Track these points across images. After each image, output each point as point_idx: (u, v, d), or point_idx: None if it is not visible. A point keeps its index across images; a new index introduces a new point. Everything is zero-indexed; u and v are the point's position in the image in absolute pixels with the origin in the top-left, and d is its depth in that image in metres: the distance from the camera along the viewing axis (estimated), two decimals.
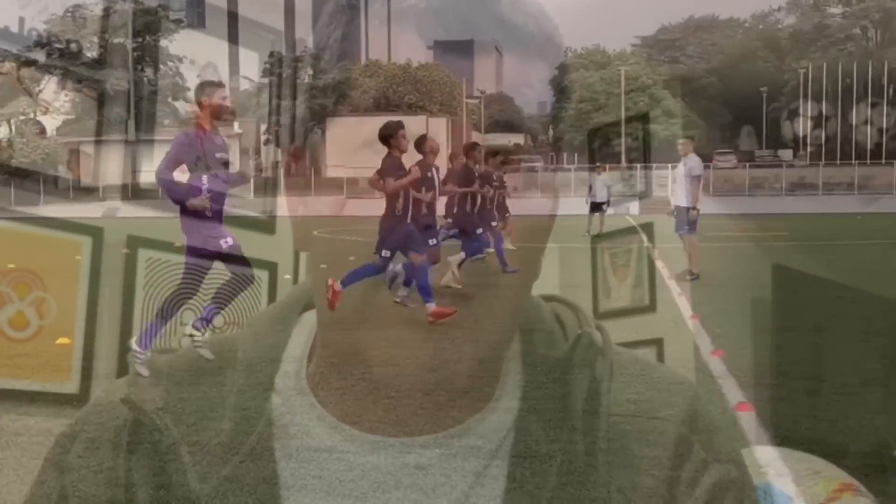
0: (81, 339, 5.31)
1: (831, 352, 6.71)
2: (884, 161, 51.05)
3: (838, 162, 52.29)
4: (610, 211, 25.31)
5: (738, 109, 61.99)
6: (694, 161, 13.07)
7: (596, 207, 24.71)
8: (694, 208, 12.78)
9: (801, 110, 58.66)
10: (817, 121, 57.56)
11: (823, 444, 4.33)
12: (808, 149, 56.46)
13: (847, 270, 12.63)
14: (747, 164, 51.92)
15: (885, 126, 56.22)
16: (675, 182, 14.33)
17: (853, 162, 51.21)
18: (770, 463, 1.15)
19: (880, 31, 59.88)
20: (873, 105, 56.29)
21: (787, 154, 56.10)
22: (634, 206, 44.19)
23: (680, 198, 13.00)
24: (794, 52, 60.61)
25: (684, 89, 60.85)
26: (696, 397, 0.97)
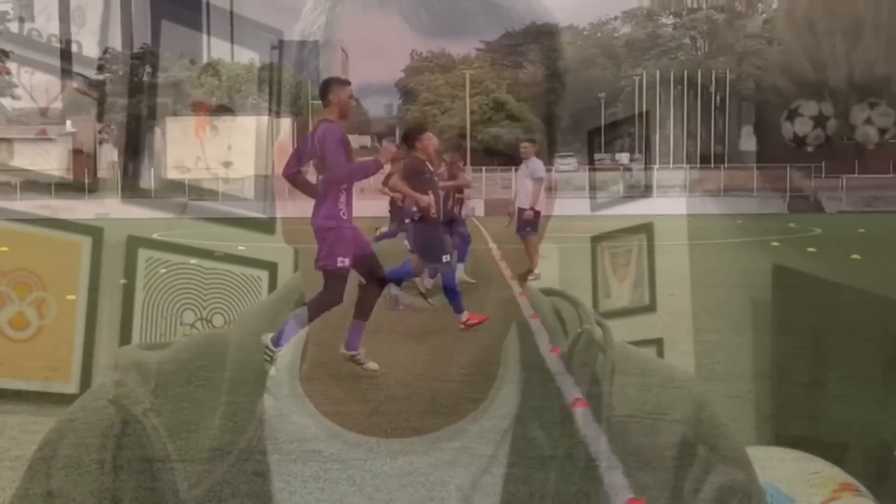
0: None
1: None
2: (713, 165, 53.98)
3: (671, 165, 54.93)
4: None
5: (578, 114, 64.02)
6: (536, 164, 13.40)
7: None
8: (533, 210, 13.09)
9: (636, 116, 61.20)
10: (652, 126, 60.18)
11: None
12: (644, 153, 58.94)
13: (675, 270, 13.25)
14: (587, 168, 53.71)
15: (713, 131, 59.41)
16: (518, 184, 14.71)
17: (685, 165, 53.92)
18: (770, 463, 1.15)
19: (708, 42, 63.16)
20: (703, 111, 59.39)
21: (623, 157, 58.37)
22: (479, 208, 44.95)
23: (522, 200, 13.32)
24: (630, 59, 63.17)
25: (527, 94, 61.87)
26: (700, 396, 0.95)
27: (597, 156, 60.74)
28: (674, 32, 62.96)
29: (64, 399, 5.24)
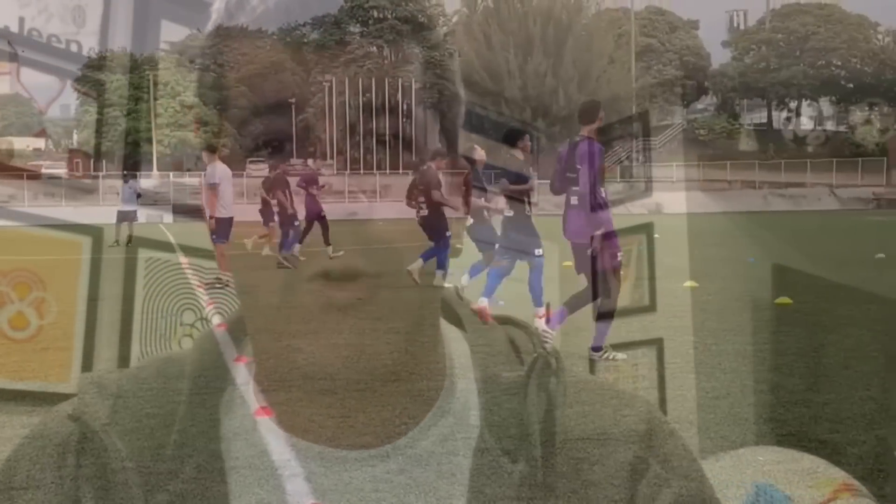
0: None
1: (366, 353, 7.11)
2: (401, 171, 55.73)
3: (362, 171, 55.97)
4: (142, 219, 24.45)
5: (269, 119, 63.52)
6: (212, 169, 13.11)
7: (125, 216, 23.55)
8: (212, 217, 12.85)
9: (327, 121, 61.76)
10: (343, 133, 60.96)
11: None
12: (336, 158, 59.39)
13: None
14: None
15: (401, 138, 61.24)
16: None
17: (374, 172, 55.26)
18: (770, 463, 1.11)
19: (394, 51, 65.18)
20: (390, 118, 61.02)
21: (315, 163, 58.49)
22: (168, 215, 43.41)
23: (215, 208, 13.01)
24: (319, 66, 63.54)
25: (216, 97, 60.62)
26: (653, 417, 0.94)
27: (291, 161, 60.64)
28: (361, 40, 64.35)
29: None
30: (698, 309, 9.44)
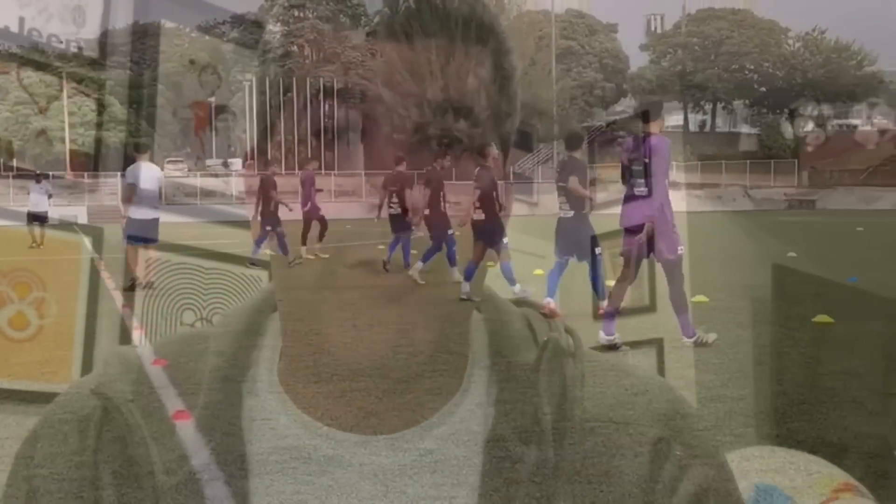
0: None
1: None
2: (324, 171, 55.27)
3: (283, 172, 55.35)
4: (55, 219, 23.80)
5: (187, 118, 62.54)
6: (136, 169, 12.90)
7: (35, 218, 22.95)
8: (127, 217, 12.67)
9: (247, 121, 60.91)
10: (263, 132, 60.13)
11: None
12: (254, 159, 58.61)
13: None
14: (199, 173, 52.71)
15: (322, 138, 60.84)
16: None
17: (296, 172, 54.70)
18: (770, 463, 1.09)
19: (315, 51, 64.65)
20: (312, 118, 60.54)
21: (236, 164, 58.08)
22: (82, 215, 42.38)
23: (129, 208, 12.79)
24: (239, 64, 62.97)
25: (132, 96, 59.66)
26: (675, 400, 0.93)
27: (207, 161, 59.85)
28: (282, 39, 63.69)
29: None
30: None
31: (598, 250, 9.39)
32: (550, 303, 9.03)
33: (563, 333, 0.96)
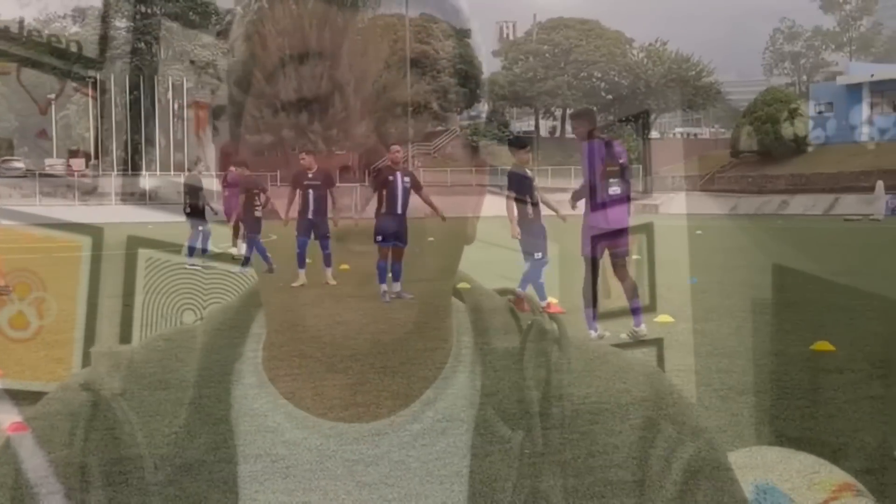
0: None
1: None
2: (172, 172, 54.09)
3: (130, 172, 53.81)
4: None
5: (25, 115, 59.53)
6: None
7: None
8: None
9: (90, 119, 58.79)
10: (107, 133, 58.26)
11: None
12: (99, 159, 56.90)
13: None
14: (38, 173, 50.33)
15: (171, 138, 59.48)
16: None
17: (143, 173, 53.31)
18: (770, 463, 1.03)
19: (163, 48, 63.05)
20: (161, 118, 59.18)
21: (78, 163, 55.76)
22: None
23: None
24: (84, 61, 60.46)
25: None
26: (661, 381, 0.94)
27: (47, 161, 57.17)
28: (128, 36, 61.70)
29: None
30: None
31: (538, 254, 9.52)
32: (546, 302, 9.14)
33: (547, 319, 0.97)
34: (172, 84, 58.76)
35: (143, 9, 62.73)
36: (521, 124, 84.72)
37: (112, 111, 56.19)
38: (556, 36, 79.12)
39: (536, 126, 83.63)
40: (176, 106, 60.01)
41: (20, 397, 5.87)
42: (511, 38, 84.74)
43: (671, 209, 59.15)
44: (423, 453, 0.87)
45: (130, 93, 57.54)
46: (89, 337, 5.32)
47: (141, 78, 58.41)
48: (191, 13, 63.10)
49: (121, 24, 63.70)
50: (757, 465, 1.13)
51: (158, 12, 62.05)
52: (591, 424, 0.89)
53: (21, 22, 58.56)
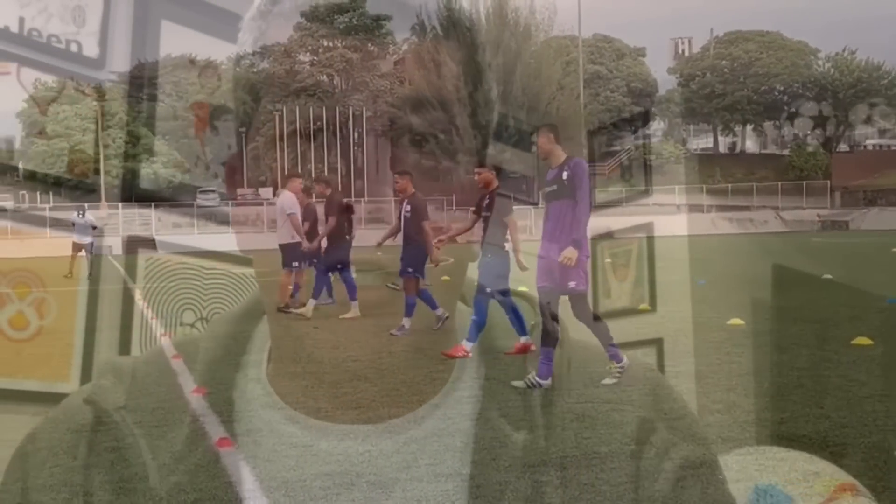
0: None
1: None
2: (353, 198, 55.83)
3: (315, 200, 55.67)
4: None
5: (218, 148, 63.23)
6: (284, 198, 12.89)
7: (80, 248, 23.72)
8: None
9: (277, 150, 61.77)
10: (294, 161, 60.98)
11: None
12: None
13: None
14: (230, 202, 53.28)
15: (352, 166, 61.59)
16: None
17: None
18: (770, 463, 1.09)
19: (343, 80, 65.46)
20: (342, 147, 61.39)
21: (267, 192, 58.62)
22: (117, 245, 42.93)
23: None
24: (269, 95, 63.63)
25: (165, 127, 60.48)
26: (659, 385, 0.97)
27: (239, 191, 60.36)
28: (311, 69, 64.48)
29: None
30: (653, 332, 9.52)
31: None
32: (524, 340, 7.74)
33: (550, 322, 0.96)
34: (352, 114, 60.98)
35: (325, 43, 65.55)
36: (699, 141, 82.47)
37: (297, 142, 58.86)
38: (735, 50, 76.65)
39: (715, 142, 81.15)
40: (356, 135, 62.20)
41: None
42: (687, 53, 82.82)
43: (863, 225, 55.89)
44: (430, 453, 0.86)
45: (313, 123, 60.13)
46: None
47: (323, 109, 60.93)
48: (369, 44, 65.41)
49: (304, 58, 66.80)
50: (758, 465, 1.05)
51: (340, 45, 64.66)
52: (588, 425, 0.86)
53: (212, 63, 62.36)
